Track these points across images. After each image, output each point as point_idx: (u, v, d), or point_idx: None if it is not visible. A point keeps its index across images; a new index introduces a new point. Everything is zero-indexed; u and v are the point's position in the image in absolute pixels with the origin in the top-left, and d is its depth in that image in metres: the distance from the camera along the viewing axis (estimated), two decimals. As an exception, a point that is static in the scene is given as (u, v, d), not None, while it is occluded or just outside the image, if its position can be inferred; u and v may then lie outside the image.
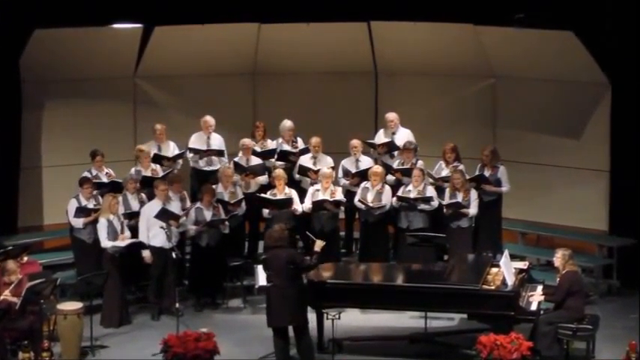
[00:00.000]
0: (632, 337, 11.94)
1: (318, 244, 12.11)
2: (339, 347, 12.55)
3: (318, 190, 14.31)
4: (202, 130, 15.28)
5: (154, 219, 13.52)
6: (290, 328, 11.96)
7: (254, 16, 15.85)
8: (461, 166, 14.60)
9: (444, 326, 13.23)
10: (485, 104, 16.20)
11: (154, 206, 13.73)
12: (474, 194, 14.15)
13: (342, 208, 14.40)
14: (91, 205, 13.87)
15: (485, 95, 16.20)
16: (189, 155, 15.20)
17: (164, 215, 13.56)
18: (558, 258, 12.32)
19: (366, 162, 14.95)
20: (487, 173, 14.51)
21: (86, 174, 14.43)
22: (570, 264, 12.27)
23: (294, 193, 14.39)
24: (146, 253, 13.68)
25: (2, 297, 11.95)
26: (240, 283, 14.45)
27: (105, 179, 14.52)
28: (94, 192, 14.05)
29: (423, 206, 14.10)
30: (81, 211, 13.77)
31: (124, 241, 13.39)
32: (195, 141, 15.26)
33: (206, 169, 15.21)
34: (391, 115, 15.30)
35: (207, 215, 13.95)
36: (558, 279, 12.31)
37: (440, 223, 14.24)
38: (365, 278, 13.24)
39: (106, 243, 13.33)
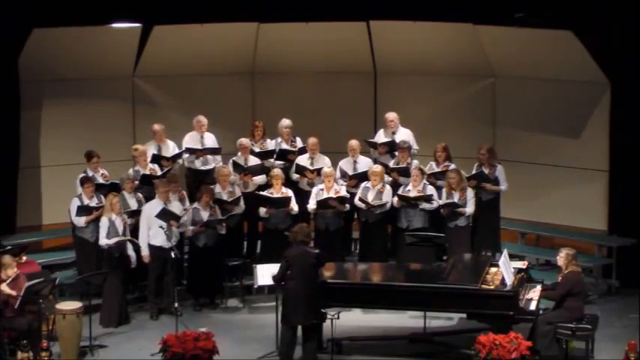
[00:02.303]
0: (631, 337, 11.94)
1: None
2: (338, 347, 12.54)
3: (322, 190, 14.28)
4: (195, 130, 15.27)
5: (154, 218, 13.51)
6: (299, 327, 11.94)
7: (253, 15, 15.84)
8: (452, 166, 14.57)
9: (443, 326, 13.23)
10: (484, 104, 16.18)
11: (155, 205, 13.72)
12: (470, 193, 14.13)
13: (347, 205, 14.35)
14: (93, 203, 13.85)
15: (485, 95, 16.18)
16: (185, 156, 15.17)
17: (165, 215, 13.54)
18: (562, 257, 12.29)
19: (363, 163, 14.88)
20: (485, 172, 14.50)
21: (82, 175, 14.41)
22: (574, 264, 12.24)
23: (291, 193, 14.36)
24: (144, 252, 13.67)
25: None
26: (238, 282, 14.44)
27: (101, 180, 14.46)
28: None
29: (424, 205, 14.07)
30: (83, 210, 13.76)
31: (114, 238, 13.34)
32: (190, 141, 15.23)
33: (202, 168, 15.19)
34: (391, 115, 15.27)
35: (204, 216, 13.93)
36: (560, 278, 12.30)
37: (439, 222, 14.23)
38: (364, 278, 13.21)
39: (102, 241, 13.33)
